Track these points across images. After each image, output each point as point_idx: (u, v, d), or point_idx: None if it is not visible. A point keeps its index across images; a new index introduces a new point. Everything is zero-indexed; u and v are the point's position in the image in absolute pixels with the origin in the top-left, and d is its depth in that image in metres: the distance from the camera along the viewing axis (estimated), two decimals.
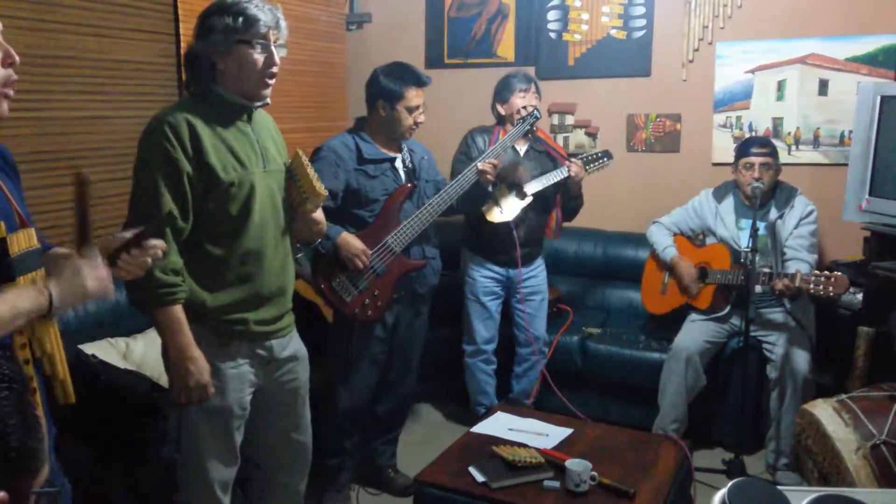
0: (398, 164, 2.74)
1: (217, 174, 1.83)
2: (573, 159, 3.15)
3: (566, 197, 3.21)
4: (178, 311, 1.81)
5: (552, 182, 3.14)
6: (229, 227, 1.88)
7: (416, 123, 2.70)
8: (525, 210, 3.16)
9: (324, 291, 2.62)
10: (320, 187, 2.03)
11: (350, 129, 2.77)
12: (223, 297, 1.90)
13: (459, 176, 2.81)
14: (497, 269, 3.26)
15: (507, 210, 3.14)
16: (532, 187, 3.14)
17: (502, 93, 3.23)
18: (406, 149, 2.79)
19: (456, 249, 3.31)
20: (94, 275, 1.30)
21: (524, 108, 3.11)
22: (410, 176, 2.76)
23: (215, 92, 1.87)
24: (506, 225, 3.15)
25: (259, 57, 1.85)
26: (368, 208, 2.68)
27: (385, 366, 2.84)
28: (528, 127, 3.00)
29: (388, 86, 2.65)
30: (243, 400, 1.98)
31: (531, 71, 3.74)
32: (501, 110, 3.23)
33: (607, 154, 3.24)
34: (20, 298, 1.22)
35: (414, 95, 2.66)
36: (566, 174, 3.10)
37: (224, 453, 1.98)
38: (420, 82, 2.68)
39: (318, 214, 2.10)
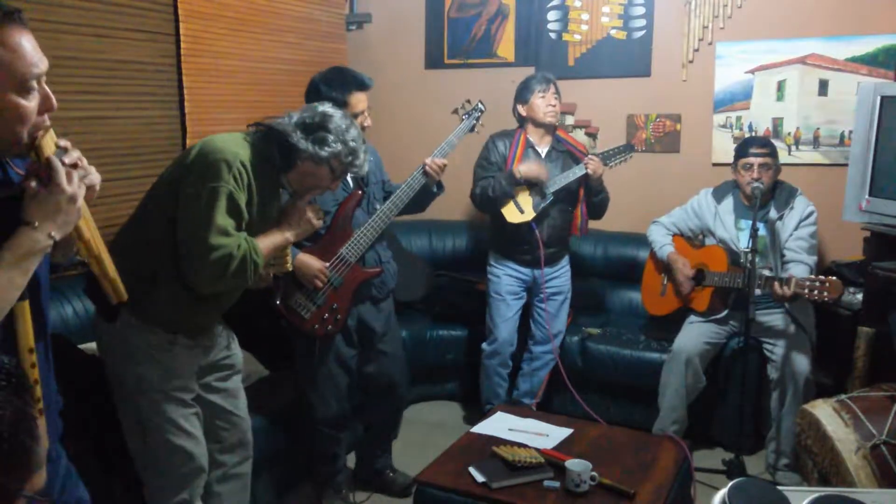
0: None
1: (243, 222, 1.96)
2: (591, 156, 3.15)
3: (589, 193, 3.21)
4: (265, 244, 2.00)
5: (571, 180, 3.14)
6: None
7: (363, 128, 2.60)
8: (547, 209, 3.16)
9: (280, 310, 2.54)
10: (288, 264, 2.21)
11: None
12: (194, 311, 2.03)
13: (409, 178, 2.74)
14: (521, 269, 3.26)
15: (526, 210, 3.14)
16: (551, 186, 3.14)
17: (522, 94, 3.23)
18: None
19: (474, 252, 3.27)
20: (77, 216, 1.30)
21: (468, 101, 3.05)
22: (359, 181, 2.68)
23: (281, 175, 2.02)
24: (527, 225, 3.15)
25: (330, 184, 2.06)
26: None
27: (368, 377, 2.82)
28: (474, 122, 2.96)
29: (330, 95, 2.51)
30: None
31: (531, 71, 3.73)
32: (522, 112, 3.24)
33: (630, 147, 3.25)
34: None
35: (358, 101, 2.57)
36: (584, 171, 3.11)
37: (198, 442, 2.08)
38: (363, 86, 2.60)
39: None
